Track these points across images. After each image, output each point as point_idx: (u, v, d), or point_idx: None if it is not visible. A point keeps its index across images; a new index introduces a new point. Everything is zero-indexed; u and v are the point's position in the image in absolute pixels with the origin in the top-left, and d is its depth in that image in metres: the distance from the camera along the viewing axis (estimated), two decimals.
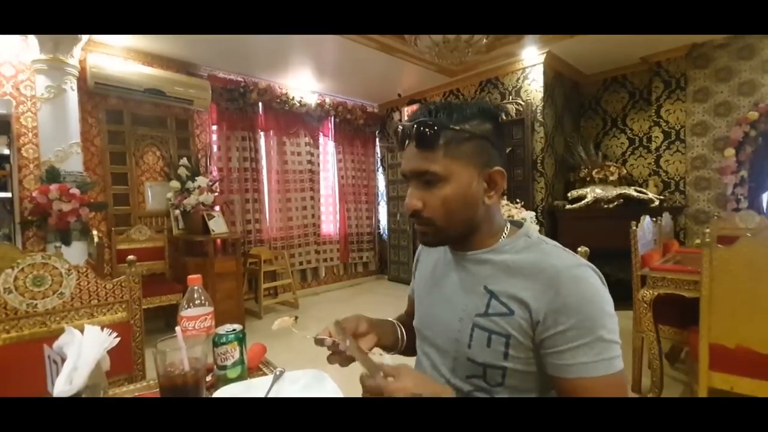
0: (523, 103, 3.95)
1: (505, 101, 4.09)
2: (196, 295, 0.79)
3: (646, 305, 1.92)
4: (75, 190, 2.73)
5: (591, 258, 0.88)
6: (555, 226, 3.94)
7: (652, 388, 1.97)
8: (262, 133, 4.40)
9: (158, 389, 0.66)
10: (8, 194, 2.74)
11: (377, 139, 5.62)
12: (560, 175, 4.20)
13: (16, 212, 2.77)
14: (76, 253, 2.77)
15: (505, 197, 3.66)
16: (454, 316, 0.68)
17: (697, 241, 2.44)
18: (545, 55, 3.78)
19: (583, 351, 0.56)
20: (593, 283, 0.59)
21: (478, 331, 0.64)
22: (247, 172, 4.25)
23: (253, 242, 4.31)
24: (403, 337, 0.83)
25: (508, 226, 0.71)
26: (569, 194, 3.98)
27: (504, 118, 0.68)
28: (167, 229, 3.62)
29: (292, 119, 4.58)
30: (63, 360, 0.62)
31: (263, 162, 4.43)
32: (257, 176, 4.33)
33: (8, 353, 0.93)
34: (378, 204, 5.72)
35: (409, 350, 0.84)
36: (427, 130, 0.62)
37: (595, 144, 4.38)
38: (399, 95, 5.09)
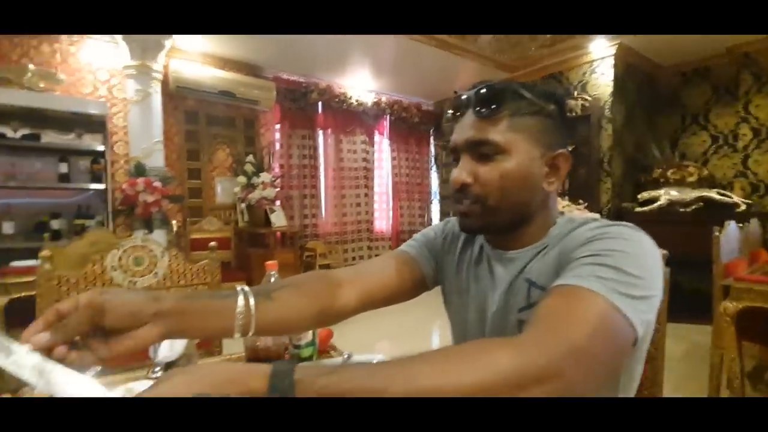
0: (590, 99, 3.73)
1: (569, 97, 3.89)
2: (272, 280, 0.86)
3: (728, 319, 1.75)
4: (158, 184, 3.03)
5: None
6: None
7: None
8: (320, 132, 4.57)
9: (241, 361, 0.74)
10: (103, 186, 3.10)
11: (432, 138, 5.60)
12: (630, 176, 3.92)
13: (109, 202, 3.13)
14: (157, 240, 3.07)
15: (566, 197, 3.50)
16: (503, 322, 0.61)
17: None
18: (616, 47, 3.54)
19: (582, 268, 0.46)
20: (625, 230, 0.51)
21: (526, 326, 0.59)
22: (306, 169, 4.44)
23: (309, 236, 4.50)
24: (248, 314, 0.53)
25: (559, 220, 0.63)
26: (639, 196, 3.71)
27: (570, 105, 0.62)
28: (234, 221, 3.89)
29: (349, 118, 4.71)
30: None
31: (321, 159, 4.60)
32: (315, 173, 4.52)
33: None
34: (431, 203, 5.71)
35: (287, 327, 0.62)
36: (492, 93, 0.57)
37: (672, 142, 4.04)
38: (455, 93, 5.03)
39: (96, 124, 3.09)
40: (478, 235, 0.70)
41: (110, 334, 0.44)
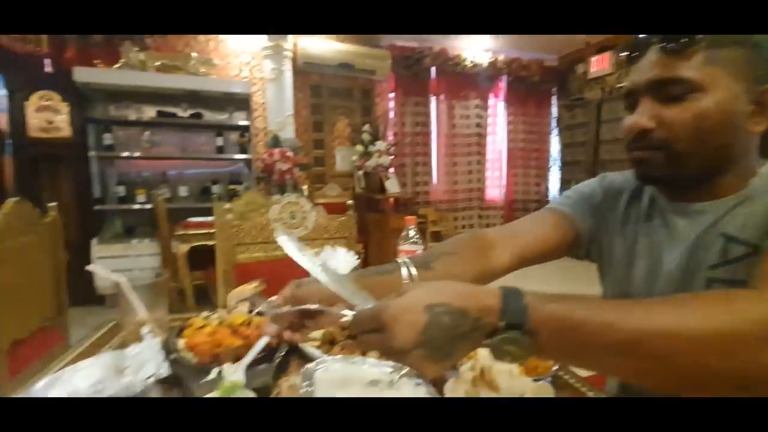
0: None
1: None
2: (411, 234, 0.91)
3: None
4: (290, 153, 3.39)
5: None
6: None
7: None
8: (433, 98, 4.52)
9: None
10: (248, 156, 3.59)
11: (554, 98, 5.09)
12: None
13: (252, 170, 3.62)
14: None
15: None
16: (686, 280, 0.55)
17: None
18: None
19: None
20: None
21: (717, 285, 0.52)
22: (418, 137, 4.48)
23: (420, 203, 4.59)
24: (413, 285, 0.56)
25: (762, 169, 0.54)
26: None
27: None
28: (351, 187, 4.16)
29: (462, 82, 4.55)
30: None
31: (433, 126, 4.58)
32: (427, 140, 4.53)
33: (274, 266, 1.26)
34: (549, 170, 5.27)
35: None
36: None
37: None
38: (587, 43, 4.44)
39: (241, 102, 3.55)
40: (646, 188, 0.64)
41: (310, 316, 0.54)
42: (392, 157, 4.02)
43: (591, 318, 0.35)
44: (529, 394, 0.38)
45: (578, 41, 4.40)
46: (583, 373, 0.68)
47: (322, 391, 0.47)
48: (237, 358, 0.58)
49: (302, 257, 0.49)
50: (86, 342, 0.74)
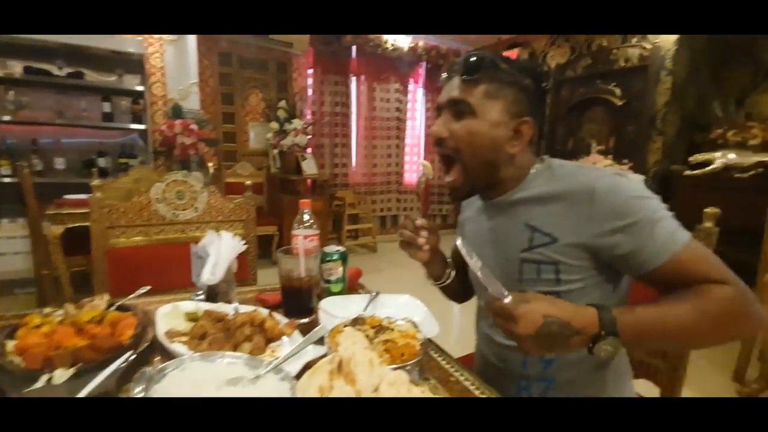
0: (649, 47, 3.38)
1: (626, 44, 3.55)
2: (306, 217, 0.87)
3: None
4: (194, 126, 3.08)
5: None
6: (669, 194, 3.48)
7: (759, 380, 1.76)
8: (353, 78, 4.44)
9: (271, 292, 0.77)
10: (143, 126, 3.19)
11: None
12: (684, 135, 3.62)
13: (149, 143, 3.23)
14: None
15: (610, 156, 3.32)
16: (500, 258, 0.72)
17: None
18: None
19: (659, 231, 0.58)
20: (626, 183, 0.62)
21: (527, 265, 0.68)
22: (338, 117, 4.38)
23: (338, 185, 4.53)
24: (449, 273, 0.85)
25: (536, 166, 0.71)
26: (692, 158, 3.44)
27: (546, 84, 0.71)
28: (266, 167, 3.95)
29: (383, 64, 4.52)
30: (206, 256, 0.75)
31: (353, 108, 4.51)
32: (346, 121, 4.45)
33: (156, 252, 1.14)
34: None
35: (453, 293, 0.91)
36: (476, 61, 0.65)
37: (738, 100, 3.65)
38: (499, 38, 4.69)
39: (135, 64, 3.12)
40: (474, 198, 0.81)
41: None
42: (310, 136, 3.88)
43: (651, 320, 0.55)
44: (384, 383, 0.38)
45: (492, 36, 4.63)
46: (456, 353, 0.73)
47: (166, 392, 0.42)
48: (76, 362, 0.50)
49: (471, 260, 0.58)
50: None
